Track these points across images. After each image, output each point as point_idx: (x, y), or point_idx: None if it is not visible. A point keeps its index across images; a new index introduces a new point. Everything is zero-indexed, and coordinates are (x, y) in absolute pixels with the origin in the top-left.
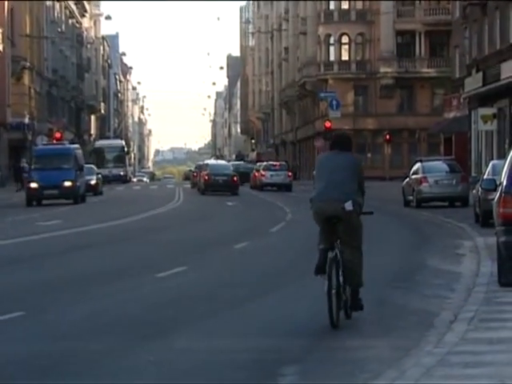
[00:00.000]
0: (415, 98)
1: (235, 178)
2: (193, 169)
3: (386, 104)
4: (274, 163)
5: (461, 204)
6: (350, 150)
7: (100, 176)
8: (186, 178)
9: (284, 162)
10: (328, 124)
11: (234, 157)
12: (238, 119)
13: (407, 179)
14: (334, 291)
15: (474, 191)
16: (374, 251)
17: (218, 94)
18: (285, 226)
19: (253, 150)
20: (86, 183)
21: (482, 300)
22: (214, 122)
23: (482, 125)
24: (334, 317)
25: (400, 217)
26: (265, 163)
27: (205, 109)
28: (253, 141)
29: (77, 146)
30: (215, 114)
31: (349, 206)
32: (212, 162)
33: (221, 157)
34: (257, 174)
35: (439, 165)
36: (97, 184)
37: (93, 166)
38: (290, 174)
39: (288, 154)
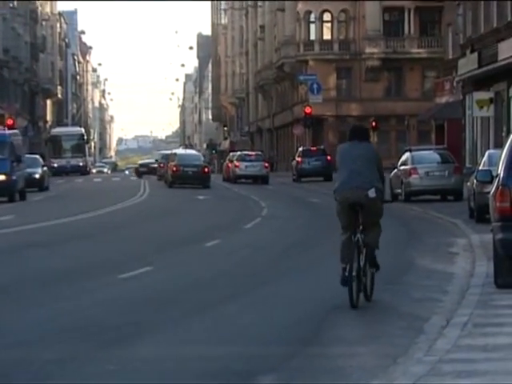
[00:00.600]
0: (404, 81)
1: (206, 169)
2: (160, 159)
3: (372, 88)
4: (249, 153)
5: (454, 198)
6: (368, 140)
7: (46, 169)
8: (138, 174)
9: (260, 152)
10: (308, 110)
11: (204, 146)
12: (210, 104)
13: (395, 170)
14: (354, 274)
15: (469, 184)
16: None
17: (188, 76)
18: (261, 222)
19: (225, 139)
20: (29, 177)
21: (476, 303)
22: (182, 107)
23: (478, 110)
24: (353, 299)
25: (387, 212)
26: (239, 153)
27: (172, 93)
28: (225, 128)
29: (15, 131)
30: (184, 98)
31: (372, 193)
32: (180, 151)
33: (190, 146)
34: (230, 164)
35: (430, 155)
36: (42, 178)
37: (38, 156)
38: (266, 164)
39: (264, 143)
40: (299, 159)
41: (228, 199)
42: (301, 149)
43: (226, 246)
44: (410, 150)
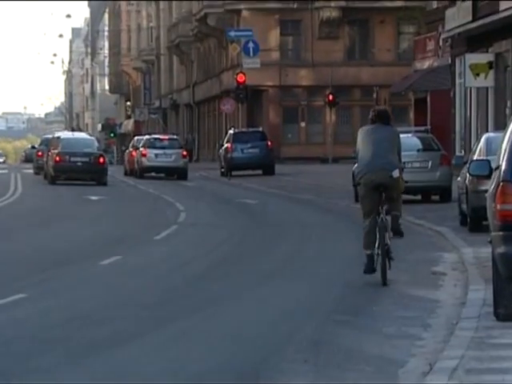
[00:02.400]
0: (372, 39)
1: (102, 160)
2: (37, 145)
3: (329, 48)
4: (161, 137)
5: (440, 198)
6: (390, 124)
7: None
8: (27, 159)
9: (175, 136)
10: (241, 78)
11: (99, 127)
12: (106, 70)
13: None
14: (379, 252)
15: (459, 179)
16: (310, 267)
17: (75, 31)
18: (176, 232)
19: (128, 118)
20: None
21: (469, 341)
22: (68, 74)
23: (472, 79)
24: (385, 276)
25: (349, 218)
26: (147, 137)
27: (55, 55)
28: (128, 103)
29: None
30: (71, 62)
31: (396, 173)
32: (67, 135)
33: (79, 128)
34: (135, 153)
35: (407, 139)
36: None
37: None
38: (184, 153)
39: (182, 124)
40: (229, 146)
41: (132, 200)
42: (231, 131)
43: (129, 264)
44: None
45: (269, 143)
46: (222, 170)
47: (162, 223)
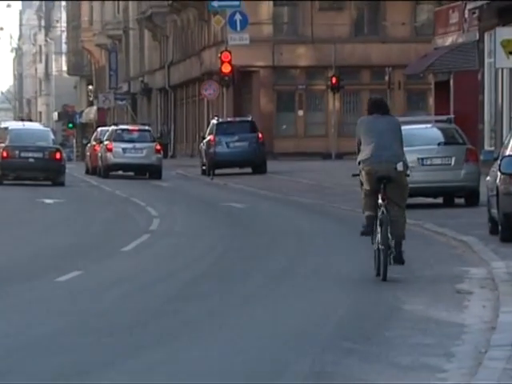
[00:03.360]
0: (383, 10)
1: (58, 155)
2: None
3: (332, 21)
4: (130, 128)
5: (465, 201)
6: (389, 114)
7: None
8: None
9: (147, 127)
10: (226, 57)
11: (55, 116)
12: (64, 48)
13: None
14: (382, 247)
15: (489, 178)
16: (308, 285)
17: (26, 3)
18: (149, 242)
19: (91, 105)
20: None
21: (500, 374)
22: (18, 52)
23: (504, 58)
24: (385, 271)
25: (355, 226)
26: (112, 128)
27: (1, 28)
28: (90, 87)
29: None
30: (20, 37)
31: (400, 166)
32: (16, 125)
33: (29, 118)
34: (98, 147)
35: (426, 131)
36: None
37: None
38: (158, 147)
39: (155, 112)
40: (212, 138)
41: (95, 204)
42: (215, 121)
43: (90, 281)
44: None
45: (260, 136)
46: (204, 167)
47: (131, 232)
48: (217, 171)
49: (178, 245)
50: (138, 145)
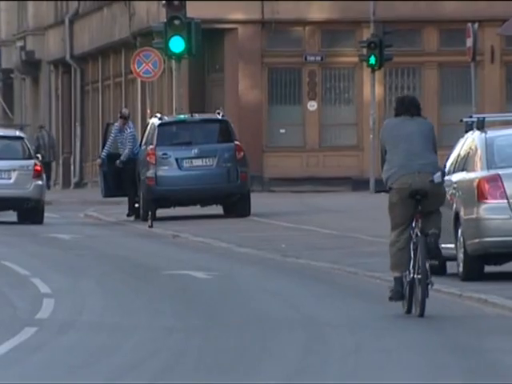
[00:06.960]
0: None
1: None
2: None
3: None
4: None
5: None
6: (420, 115)
7: None
8: None
9: (18, 132)
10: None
11: None
12: None
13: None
14: (418, 276)
15: None
16: None
17: None
18: (34, 342)
19: None
20: None
21: None
22: None
23: None
24: (423, 306)
25: (398, 309)
26: None
27: None
28: None
29: None
30: None
31: (438, 177)
32: None
33: None
34: None
35: None
36: None
37: None
38: (37, 167)
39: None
40: (152, 152)
41: None
42: (156, 121)
43: None
44: (481, 128)
45: (238, 147)
46: (136, 205)
47: (3, 324)
48: (160, 212)
49: (86, 347)
50: (1, 164)
